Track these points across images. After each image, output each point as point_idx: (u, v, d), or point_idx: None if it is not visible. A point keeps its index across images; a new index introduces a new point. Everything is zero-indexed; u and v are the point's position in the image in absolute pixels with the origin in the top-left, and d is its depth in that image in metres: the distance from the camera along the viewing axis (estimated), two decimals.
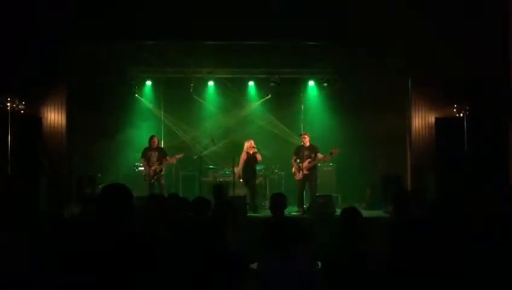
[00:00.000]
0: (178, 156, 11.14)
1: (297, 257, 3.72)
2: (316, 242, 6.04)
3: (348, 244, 4.06)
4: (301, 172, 10.51)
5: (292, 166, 10.78)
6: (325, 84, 12.84)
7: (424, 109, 10.89)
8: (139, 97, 13.03)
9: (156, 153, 10.86)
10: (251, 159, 10.81)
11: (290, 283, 3.61)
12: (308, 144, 10.68)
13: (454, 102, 10.26)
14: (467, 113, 10.06)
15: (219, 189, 7.65)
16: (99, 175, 11.26)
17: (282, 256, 3.70)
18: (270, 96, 13.07)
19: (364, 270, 3.84)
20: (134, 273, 2.58)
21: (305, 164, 10.49)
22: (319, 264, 5.12)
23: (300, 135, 11.00)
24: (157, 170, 10.72)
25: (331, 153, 10.63)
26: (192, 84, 12.88)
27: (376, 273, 3.77)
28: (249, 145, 10.86)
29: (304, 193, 10.70)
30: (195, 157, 11.92)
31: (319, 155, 10.61)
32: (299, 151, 10.67)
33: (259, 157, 10.83)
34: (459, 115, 10.17)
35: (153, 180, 10.73)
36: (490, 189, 7.91)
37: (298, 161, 10.61)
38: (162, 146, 11.96)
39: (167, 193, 11.00)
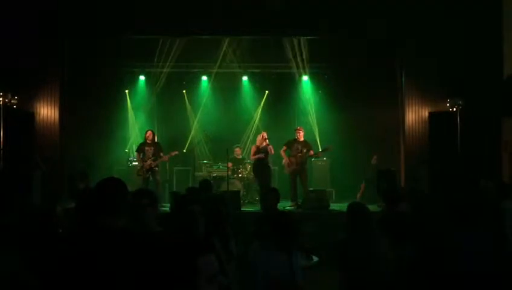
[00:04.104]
0: (173, 153, 11.00)
1: (287, 249, 3.72)
2: (307, 236, 6.09)
3: (361, 240, 4.09)
4: (292, 166, 10.45)
5: (281, 157, 10.66)
6: (319, 80, 12.84)
7: (418, 103, 10.92)
8: (127, 94, 12.96)
9: (152, 148, 10.67)
10: (261, 153, 10.42)
11: (276, 273, 3.62)
12: (302, 138, 10.63)
13: (448, 97, 10.29)
14: (460, 107, 10.10)
15: (207, 184, 7.60)
16: (91, 170, 11.19)
17: (272, 247, 3.71)
18: (267, 92, 13.07)
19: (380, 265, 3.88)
20: (132, 269, 2.56)
21: (296, 158, 10.44)
22: (314, 258, 5.14)
23: (295, 129, 10.88)
24: (152, 165, 10.59)
25: (324, 150, 10.61)
26: (185, 81, 12.87)
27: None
28: (259, 138, 10.54)
29: (297, 187, 10.66)
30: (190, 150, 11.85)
31: (311, 152, 10.59)
32: (292, 144, 10.58)
33: (270, 150, 10.36)
34: (453, 109, 10.21)
35: (147, 175, 10.62)
36: (483, 183, 7.94)
37: (288, 153, 10.54)
38: (156, 141, 11.88)
39: (162, 187, 11.01)
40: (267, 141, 10.34)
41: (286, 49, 12.15)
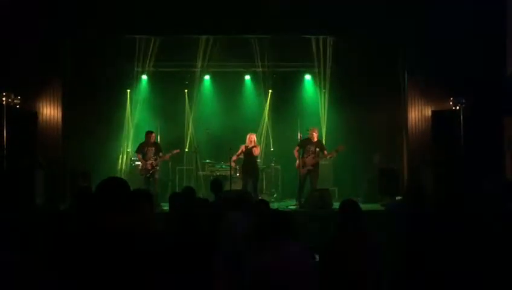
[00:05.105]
0: (175, 151, 11.07)
1: (287, 248, 3.71)
2: (310, 235, 6.06)
3: (347, 238, 4.08)
4: (306, 167, 10.46)
5: (294, 156, 10.66)
6: (322, 78, 12.80)
7: (421, 102, 10.90)
8: (128, 94, 12.90)
9: (153, 149, 10.80)
10: (248, 153, 10.70)
11: (277, 273, 3.60)
12: (315, 139, 10.62)
13: (451, 95, 10.26)
14: (463, 106, 10.06)
15: (218, 183, 7.59)
16: (93, 170, 11.20)
17: (270, 247, 3.70)
18: (271, 91, 13.01)
19: (365, 263, 3.87)
20: (131, 269, 2.56)
21: (310, 159, 10.45)
22: (317, 257, 5.12)
23: (309, 130, 10.73)
24: (154, 165, 10.69)
25: (337, 150, 10.62)
26: (187, 80, 12.85)
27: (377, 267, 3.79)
28: (247, 138, 10.77)
29: (304, 187, 10.65)
30: (192, 151, 11.97)
31: (325, 152, 10.61)
32: (305, 144, 10.58)
33: (255, 151, 10.65)
34: (456, 108, 10.17)
35: (148, 175, 10.70)
36: (486, 182, 7.90)
37: (301, 152, 10.57)
38: (158, 141, 11.89)
39: (164, 187, 11.03)
40: (252, 143, 10.60)
41: (308, 49, 12.14)
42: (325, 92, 12.85)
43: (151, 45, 12.07)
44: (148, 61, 12.56)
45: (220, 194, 7.04)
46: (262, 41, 12.05)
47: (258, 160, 12.01)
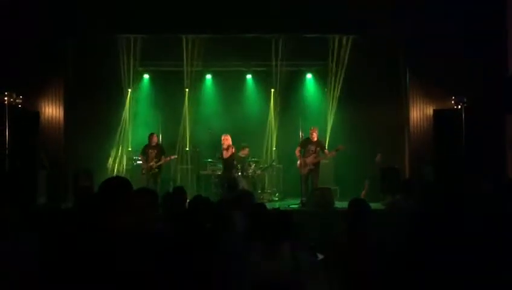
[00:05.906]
0: (172, 157, 11.27)
1: (286, 247, 3.71)
2: (311, 234, 6.07)
3: (357, 236, 4.09)
4: (307, 167, 10.49)
5: (295, 156, 10.72)
6: (323, 77, 12.80)
7: (422, 101, 10.90)
8: (129, 93, 12.87)
9: (155, 151, 11.01)
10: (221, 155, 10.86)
11: (278, 273, 3.61)
12: (316, 138, 10.66)
13: (452, 94, 10.26)
14: (465, 105, 10.06)
15: (233, 183, 7.59)
16: (95, 169, 11.22)
17: (270, 246, 3.70)
18: (273, 90, 12.98)
19: (373, 261, 3.88)
20: (132, 268, 2.57)
21: (311, 158, 10.49)
22: (319, 256, 5.13)
23: (310, 129, 10.78)
24: (153, 167, 10.83)
25: (337, 149, 10.65)
26: (188, 80, 12.84)
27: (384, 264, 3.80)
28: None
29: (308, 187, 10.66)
30: (192, 150, 12.01)
31: (326, 151, 10.62)
32: (306, 144, 10.64)
33: (225, 154, 10.74)
34: (457, 106, 10.17)
35: (149, 176, 10.84)
36: (488, 181, 7.88)
37: (302, 152, 10.58)
38: (160, 141, 11.91)
39: (166, 186, 11.08)
40: (224, 145, 10.72)
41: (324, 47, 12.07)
42: (327, 90, 12.82)
43: (152, 44, 12.08)
44: (148, 61, 12.60)
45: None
46: (263, 41, 12.05)
47: (256, 158, 12.02)
